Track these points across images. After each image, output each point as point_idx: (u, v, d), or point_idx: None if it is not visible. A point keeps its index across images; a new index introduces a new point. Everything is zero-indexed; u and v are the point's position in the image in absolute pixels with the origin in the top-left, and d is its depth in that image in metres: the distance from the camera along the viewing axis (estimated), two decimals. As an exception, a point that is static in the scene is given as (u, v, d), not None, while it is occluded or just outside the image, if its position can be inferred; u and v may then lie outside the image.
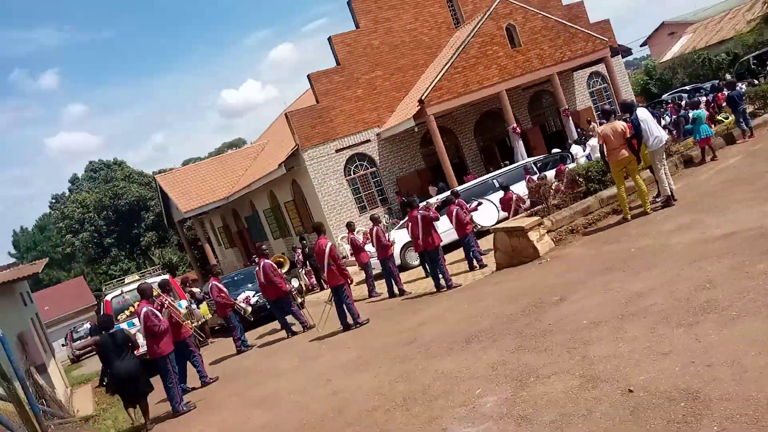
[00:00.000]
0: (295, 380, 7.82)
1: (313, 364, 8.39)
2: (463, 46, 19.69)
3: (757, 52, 27.70)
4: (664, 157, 8.82)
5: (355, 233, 12.83)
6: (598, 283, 6.59)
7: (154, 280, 11.85)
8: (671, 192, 8.67)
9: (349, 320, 9.88)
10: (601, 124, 20.30)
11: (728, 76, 26.28)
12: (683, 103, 21.50)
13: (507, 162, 19.36)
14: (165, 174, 32.52)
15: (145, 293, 8.52)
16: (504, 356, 5.59)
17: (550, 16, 21.46)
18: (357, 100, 21.15)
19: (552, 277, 7.67)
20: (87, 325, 28.99)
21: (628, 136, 8.64)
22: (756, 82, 21.72)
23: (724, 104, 16.93)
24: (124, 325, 12.10)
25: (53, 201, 58.62)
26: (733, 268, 5.38)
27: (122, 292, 13.51)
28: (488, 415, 4.52)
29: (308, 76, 20.60)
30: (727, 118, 14.05)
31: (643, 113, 8.76)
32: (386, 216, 20.24)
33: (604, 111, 9.19)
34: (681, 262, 6.13)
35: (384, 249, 11.67)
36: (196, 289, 14.45)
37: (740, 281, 5.02)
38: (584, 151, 16.58)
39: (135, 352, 8.01)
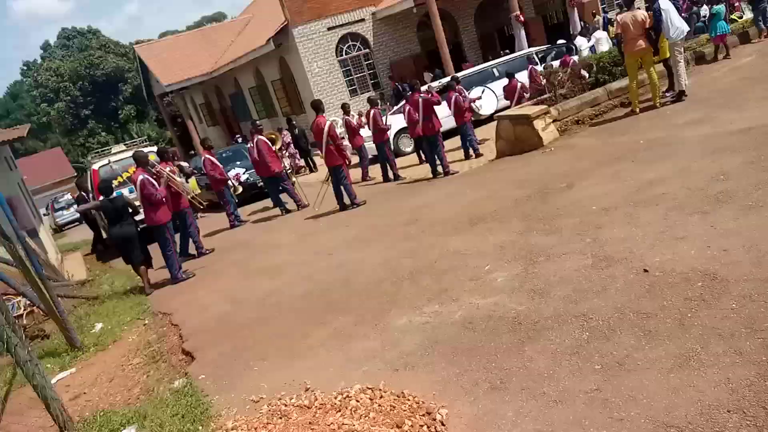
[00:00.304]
0: (295, 253, 7.88)
1: (312, 240, 8.43)
2: None
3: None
4: (683, 50, 8.56)
5: (350, 116, 12.52)
6: (606, 172, 6.57)
7: (148, 150, 11.55)
8: (684, 87, 8.51)
9: (346, 201, 9.85)
10: (605, 19, 19.61)
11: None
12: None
13: (507, 51, 18.74)
14: (144, 45, 30.95)
15: (141, 161, 8.32)
16: (512, 237, 5.64)
17: None
18: (353, -27, 19.87)
19: (558, 165, 7.62)
20: (68, 196, 28.68)
21: (648, 26, 8.33)
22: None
23: (737, 3, 16.33)
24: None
25: (24, 68, 55.93)
26: (749, 162, 5.37)
27: (109, 162, 13.19)
28: (500, 288, 4.62)
29: (302, -57, 19.15)
30: (740, 17, 13.57)
31: (665, 3, 8.39)
32: (379, 101, 19.75)
33: (626, -1, 8.75)
34: (694, 154, 6.10)
35: (381, 133, 11.50)
36: (184, 163, 14.17)
37: (756, 174, 5.03)
38: (588, 43, 16.09)
39: (134, 218, 8.02)
